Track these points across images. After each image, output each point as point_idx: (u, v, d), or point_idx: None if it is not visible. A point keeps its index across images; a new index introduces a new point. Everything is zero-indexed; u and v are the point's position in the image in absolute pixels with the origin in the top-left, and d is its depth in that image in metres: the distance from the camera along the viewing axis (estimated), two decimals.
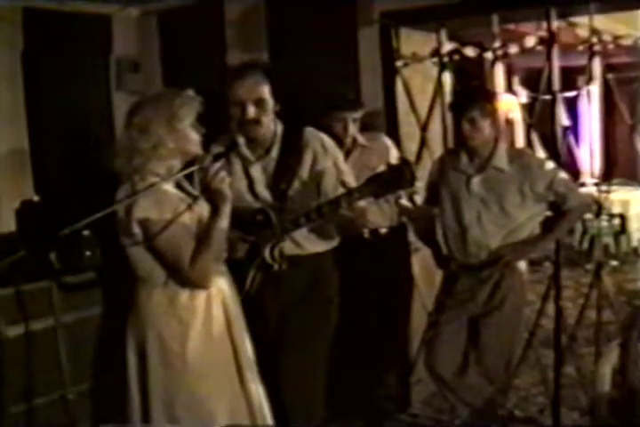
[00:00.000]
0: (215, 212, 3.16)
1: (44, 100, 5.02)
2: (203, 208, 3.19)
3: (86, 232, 3.63)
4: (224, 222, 3.15)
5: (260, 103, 3.52)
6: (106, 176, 3.27)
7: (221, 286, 3.26)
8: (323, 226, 3.58)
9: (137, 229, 3.07)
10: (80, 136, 5.09)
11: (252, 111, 3.51)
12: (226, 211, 3.16)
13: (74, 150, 5.06)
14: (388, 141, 4.69)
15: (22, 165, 4.90)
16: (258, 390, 3.33)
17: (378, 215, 4.37)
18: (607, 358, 3.74)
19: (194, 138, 3.19)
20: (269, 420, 3.36)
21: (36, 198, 4.36)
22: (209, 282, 3.17)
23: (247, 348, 3.33)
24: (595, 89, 6.42)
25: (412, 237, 4.87)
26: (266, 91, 3.53)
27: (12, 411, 3.55)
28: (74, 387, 3.72)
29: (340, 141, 4.16)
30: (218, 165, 3.31)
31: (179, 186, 3.24)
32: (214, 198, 3.18)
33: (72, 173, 4.97)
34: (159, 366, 3.14)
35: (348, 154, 4.44)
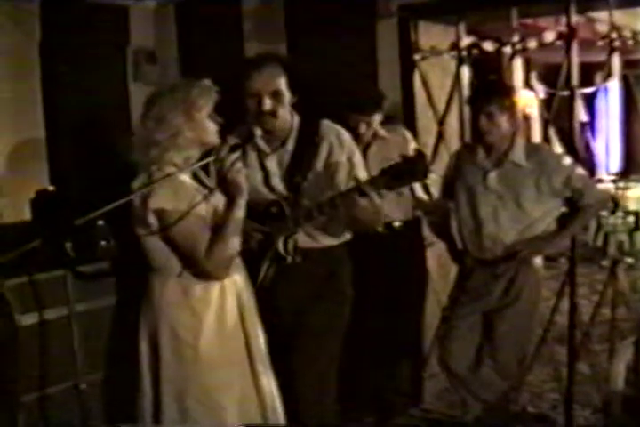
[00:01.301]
0: (231, 203, 3.16)
1: (60, 90, 5.02)
2: (218, 199, 3.20)
3: (101, 222, 3.63)
4: (240, 214, 3.15)
5: (276, 95, 3.51)
6: (121, 166, 3.27)
7: (235, 277, 3.26)
8: (336, 219, 3.56)
9: (153, 220, 3.07)
10: (96, 127, 5.09)
11: (268, 103, 3.49)
12: (241, 202, 3.15)
13: (90, 141, 5.07)
14: (407, 134, 4.68)
15: (38, 154, 4.92)
16: (269, 383, 3.33)
17: (392, 208, 4.35)
18: (621, 356, 3.75)
19: (211, 128, 3.19)
20: (280, 413, 3.36)
21: (51, 188, 4.36)
22: (225, 273, 3.18)
23: (260, 340, 3.33)
24: (614, 85, 6.39)
25: (426, 231, 4.86)
26: (282, 83, 3.52)
27: (24, 399, 3.56)
28: (86, 376, 3.73)
29: (356, 135, 4.15)
30: (234, 156, 3.30)
31: (195, 177, 3.24)
32: (230, 190, 3.18)
33: (88, 163, 4.98)
34: (171, 357, 3.15)
35: (368, 146, 4.45)
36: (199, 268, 3.12)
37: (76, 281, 3.70)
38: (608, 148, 9.96)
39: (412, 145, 4.57)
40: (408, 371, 4.94)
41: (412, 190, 4.54)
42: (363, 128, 4.44)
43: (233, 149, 3.32)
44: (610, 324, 5.02)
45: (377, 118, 4.50)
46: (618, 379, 3.71)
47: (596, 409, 4.74)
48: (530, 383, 5.08)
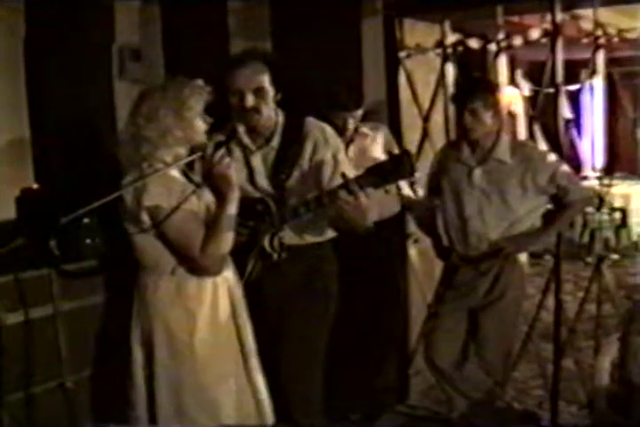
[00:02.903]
0: (222, 198, 3.17)
1: (45, 88, 5.00)
2: (209, 196, 3.21)
3: (86, 220, 3.62)
4: (232, 208, 3.17)
5: (259, 92, 3.49)
6: (106, 165, 3.26)
7: (226, 274, 3.28)
8: (322, 216, 3.57)
9: (146, 217, 3.09)
10: (81, 124, 5.07)
11: (250, 100, 3.48)
12: (233, 197, 3.17)
13: (75, 139, 5.04)
14: (389, 133, 4.69)
15: (23, 153, 4.89)
16: (260, 378, 3.35)
17: (378, 206, 4.32)
18: (606, 352, 3.76)
19: (200, 127, 3.20)
20: (270, 409, 3.37)
21: (35, 186, 4.34)
22: (220, 269, 3.21)
23: (250, 336, 3.35)
24: (598, 83, 6.40)
25: (412, 227, 4.87)
26: (266, 79, 3.50)
27: (9, 399, 3.54)
28: (72, 375, 3.72)
29: (340, 132, 4.15)
30: (220, 152, 3.29)
31: (185, 174, 3.25)
32: (220, 185, 3.19)
33: (73, 161, 4.96)
34: (166, 356, 3.17)
35: (349, 143, 4.45)
36: (195, 264, 3.14)
37: (61, 280, 3.69)
38: (593, 145, 9.99)
39: (393, 145, 4.57)
40: (394, 368, 4.95)
41: (398, 188, 4.54)
42: (350, 123, 4.46)
43: (217, 146, 3.32)
44: (595, 320, 5.03)
45: (359, 113, 4.51)
46: (603, 375, 3.71)
47: (581, 405, 4.77)
48: (515, 380, 5.10)
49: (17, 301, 3.57)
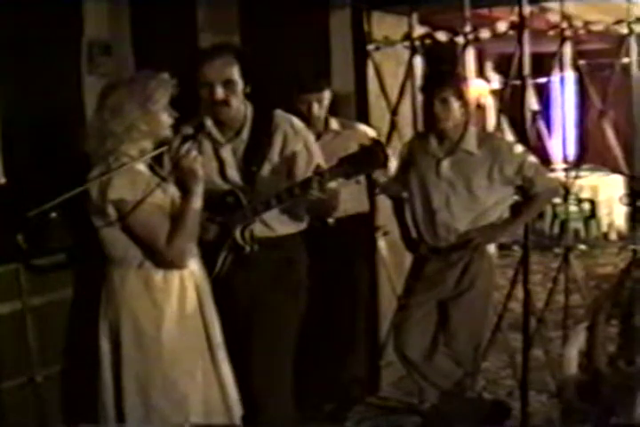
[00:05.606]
0: (188, 192, 3.17)
1: (13, 82, 4.97)
2: (175, 190, 3.22)
3: (54, 214, 3.61)
4: (197, 202, 3.18)
5: (229, 84, 3.50)
6: (75, 159, 3.25)
7: (193, 268, 3.28)
8: (293, 208, 3.58)
9: (111, 211, 3.09)
10: (50, 119, 5.05)
11: (220, 92, 3.49)
12: (198, 191, 3.18)
13: (44, 133, 5.02)
14: (368, 130, 4.66)
15: None
16: (228, 371, 3.36)
17: (349, 201, 4.32)
18: (574, 342, 3.78)
19: (165, 121, 3.20)
20: (238, 401, 3.38)
21: (2, 181, 4.32)
22: (185, 262, 3.20)
23: (217, 329, 3.35)
24: (568, 75, 6.44)
25: (381, 220, 4.88)
26: (235, 72, 3.52)
27: None
28: (42, 370, 3.71)
29: (306, 120, 4.14)
30: (187, 145, 3.30)
31: (151, 168, 3.25)
32: (186, 178, 3.19)
33: (41, 155, 4.94)
34: (133, 349, 3.17)
35: (317, 137, 4.42)
36: (160, 257, 3.14)
37: (30, 274, 3.67)
38: (564, 138, 10.04)
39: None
40: (365, 359, 4.97)
41: (369, 186, 4.56)
42: (315, 108, 4.43)
43: (184, 139, 3.33)
44: (564, 310, 5.08)
45: (327, 96, 4.49)
46: (571, 364, 3.75)
47: (550, 394, 4.81)
48: (485, 370, 5.13)
49: None
